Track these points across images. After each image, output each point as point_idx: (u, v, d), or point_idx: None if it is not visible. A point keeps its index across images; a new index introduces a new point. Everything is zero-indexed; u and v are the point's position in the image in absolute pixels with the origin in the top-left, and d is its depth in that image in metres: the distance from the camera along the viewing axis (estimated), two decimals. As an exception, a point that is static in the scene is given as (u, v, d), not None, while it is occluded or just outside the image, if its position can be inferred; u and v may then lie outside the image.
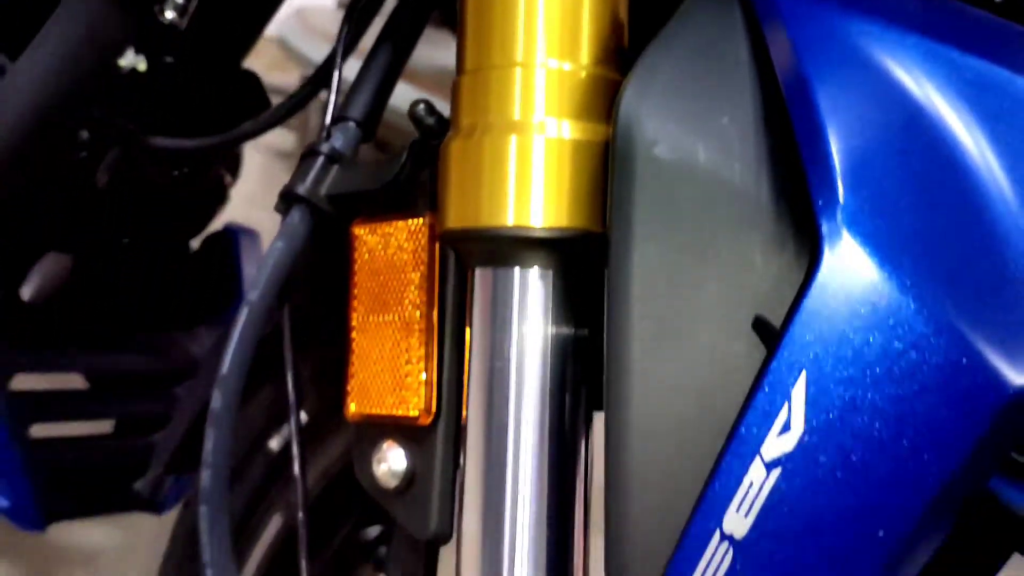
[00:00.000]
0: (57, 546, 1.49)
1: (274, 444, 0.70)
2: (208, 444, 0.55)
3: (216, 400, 0.55)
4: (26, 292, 1.05)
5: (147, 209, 1.05)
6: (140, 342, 1.02)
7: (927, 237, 0.36)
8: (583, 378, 0.47)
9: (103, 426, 1.05)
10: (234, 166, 1.16)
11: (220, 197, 1.16)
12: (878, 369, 0.36)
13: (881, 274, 0.36)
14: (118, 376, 1.03)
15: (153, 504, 0.99)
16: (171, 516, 0.82)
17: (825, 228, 0.37)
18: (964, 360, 0.35)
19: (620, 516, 0.40)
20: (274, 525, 0.71)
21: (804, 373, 0.36)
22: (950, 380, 0.35)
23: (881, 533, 0.36)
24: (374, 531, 0.71)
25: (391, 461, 0.52)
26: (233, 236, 1.11)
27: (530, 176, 0.43)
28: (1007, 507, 0.43)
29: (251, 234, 1.14)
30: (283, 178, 0.57)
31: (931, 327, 0.35)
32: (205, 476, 0.56)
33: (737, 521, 0.37)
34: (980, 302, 0.36)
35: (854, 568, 0.37)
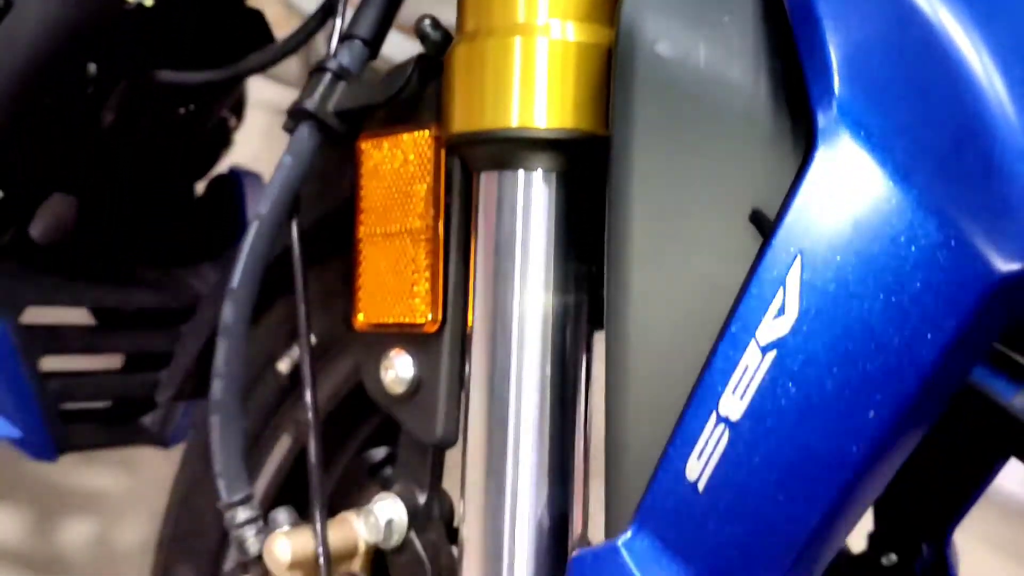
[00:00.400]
0: (65, 488, 1.51)
1: (283, 366, 0.72)
2: (220, 355, 0.57)
3: (227, 312, 0.56)
4: (34, 232, 1.06)
5: (153, 150, 1.05)
6: (146, 279, 1.04)
7: (919, 127, 0.37)
8: (586, 279, 0.49)
9: (112, 364, 1.07)
10: (239, 109, 1.17)
11: (225, 140, 1.17)
12: (869, 253, 0.37)
13: (874, 162, 0.37)
14: (125, 312, 1.04)
15: (161, 438, 1.00)
16: (176, 459, 0.84)
17: (820, 119, 0.38)
18: (952, 243, 0.36)
19: (621, 404, 0.42)
20: (283, 446, 0.73)
21: (799, 258, 0.38)
22: (938, 263, 0.36)
23: (872, 414, 0.38)
24: (380, 453, 0.72)
25: (398, 368, 0.54)
26: (237, 179, 1.12)
27: (534, 77, 0.44)
28: (996, 403, 0.45)
29: (255, 177, 1.15)
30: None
31: (921, 212, 0.37)
32: (216, 387, 0.57)
33: (733, 403, 0.39)
34: (970, 190, 0.37)
35: (846, 448, 0.38)
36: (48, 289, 0.95)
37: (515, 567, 0.47)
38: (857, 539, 0.67)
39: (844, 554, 0.67)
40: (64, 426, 0.92)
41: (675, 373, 0.41)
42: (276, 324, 0.72)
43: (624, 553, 0.40)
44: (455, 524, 0.56)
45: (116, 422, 0.99)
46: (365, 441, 0.74)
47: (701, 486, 0.40)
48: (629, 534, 0.41)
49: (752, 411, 0.39)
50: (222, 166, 1.20)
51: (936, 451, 0.59)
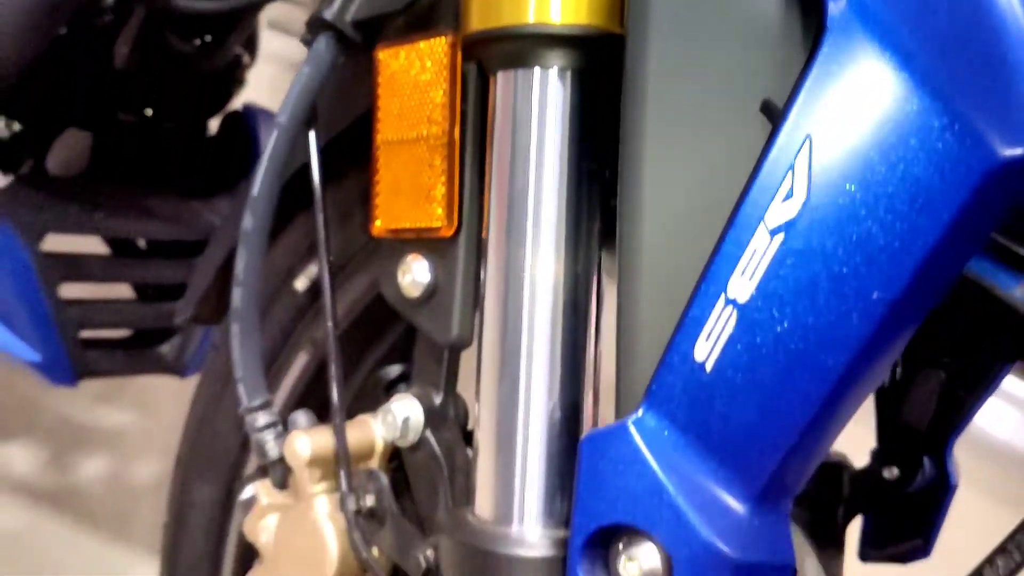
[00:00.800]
0: (82, 426, 1.54)
1: (299, 284, 0.73)
2: (240, 264, 0.58)
3: (247, 221, 0.58)
4: (50, 165, 1.08)
5: (168, 85, 1.07)
6: (162, 212, 1.05)
7: (926, 15, 0.38)
8: (599, 183, 0.50)
9: (128, 295, 1.09)
10: (252, 46, 1.18)
11: (238, 78, 1.18)
12: (874, 137, 0.38)
13: (881, 49, 0.38)
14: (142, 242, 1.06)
15: (178, 367, 1.03)
16: (188, 399, 0.85)
17: (831, 6, 0.39)
18: (956, 127, 0.37)
19: (633, 290, 0.43)
20: (299, 364, 0.75)
21: (807, 143, 0.39)
22: (942, 147, 0.38)
23: (875, 295, 0.39)
24: (395, 370, 0.74)
25: (415, 273, 0.55)
26: (251, 115, 1.13)
27: (551, -26, 0.45)
28: (998, 296, 0.46)
29: (268, 114, 1.16)
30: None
31: (925, 97, 0.38)
32: (236, 295, 0.59)
33: (741, 285, 0.40)
34: (975, 77, 0.38)
35: (850, 328, 0.39)
36: (67, 218, 0.96)
37: (528, 458, 0.49)
38: (861, 457, 0.69)
39: (846, 469, 0.68)
40: (83, 352, 0.94)
41: (686, 259, 0.42)
42: (293, 242, 0.73)
43: (633, 431, 0.42)
44: (469, 427, 0.58)
45: (134, 350, 1.01)
46: (380, 359, 0.75)
47: (709, 366, 0.41)
48: (638, 413, 0.42)
49: (760, 292, 0.40)
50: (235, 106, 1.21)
51: (936, 361, 0.61)
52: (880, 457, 0.67)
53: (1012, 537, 0.49)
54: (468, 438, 0.57)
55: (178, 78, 1.06)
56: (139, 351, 1.00)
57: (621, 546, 0.43)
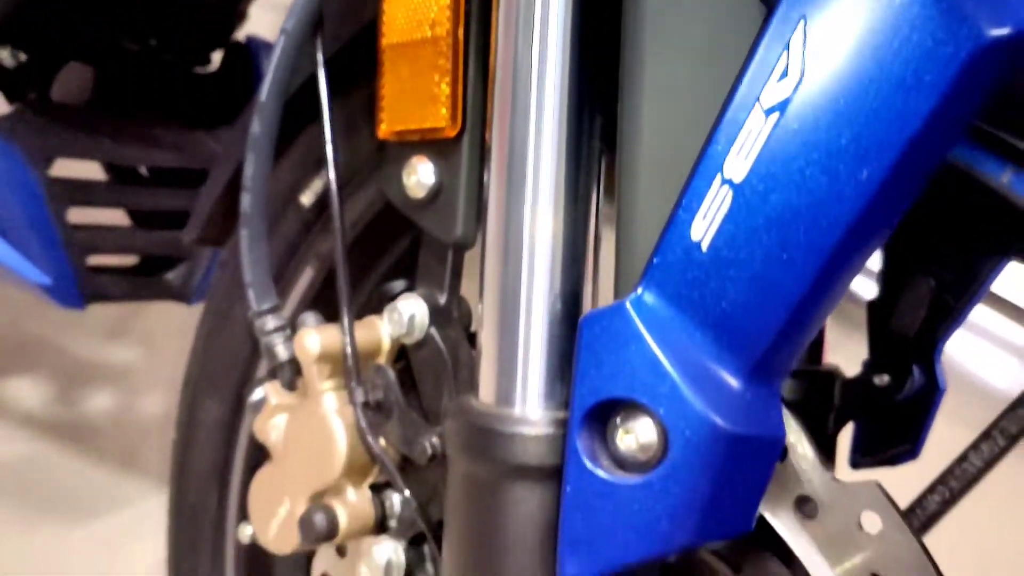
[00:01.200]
0: (90, 365, 1.56)
1: (305, 199, 0.74)
2: (248, 169, 0.60)
3: (255, 126, 0.59)
4: (55, 95, 1.08)
5: (170, 15, 1.07)
6: (167, 141, 1.06)
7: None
8: (599, 75, 0.51)
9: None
10: (254, -20, 1.18)
11: (240, 11, 1.18)
12: (866, 17, 0.39)
13: (875, -70, 0.39)
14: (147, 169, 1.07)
15: (184, 293, 1.04)
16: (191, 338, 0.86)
17: None
18: (944, 5, 0.39)
19: (631, 174, 0.45)
20: (305, 278, 0.76)
21: (802, 23, 0.40)
22: (930, 26, 0.39)
23: (865, 174, 0.41)
24: (399, 285, 0.75)
25: (420, 174, 0.56)
26: (254, 46, 1.14)
27: None
28: (986, 184, 0.48)
29: (271, 46, 1.16)
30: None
31: (917, -23, 0.39)
32: (245, 200, 0.60)
33: (737, 165, 0.42)
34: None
35: (839, 209, 0.41)
36: (75, 143, 0.97)
37: (530, 344, 0.50)
38: (853, 368, 0.70)
39: (838, 377, 0.70)
40: (91, 277, 0.96)
41: (684, 143, 0.44)
42: (298, 158, 0.74)
43: (631, 309, 0.44)
44: (472, 329, 0.60)
45: (140, 276, 1.03)
46: (384, 275, 0.77)
47: (704, 245, 0.43)
48: (637, 292, 0.44)
49: (755, 171, 0.41)
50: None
51: (926, 269, 0.62)
52: (871, 366, 0.69)
53: (997, 423, 0.51)
54: (472, 340, 0.58)
55: (180, 8, 1.06)
56: (146, 278, 1.02)
57: (619, 420, 0.44)
